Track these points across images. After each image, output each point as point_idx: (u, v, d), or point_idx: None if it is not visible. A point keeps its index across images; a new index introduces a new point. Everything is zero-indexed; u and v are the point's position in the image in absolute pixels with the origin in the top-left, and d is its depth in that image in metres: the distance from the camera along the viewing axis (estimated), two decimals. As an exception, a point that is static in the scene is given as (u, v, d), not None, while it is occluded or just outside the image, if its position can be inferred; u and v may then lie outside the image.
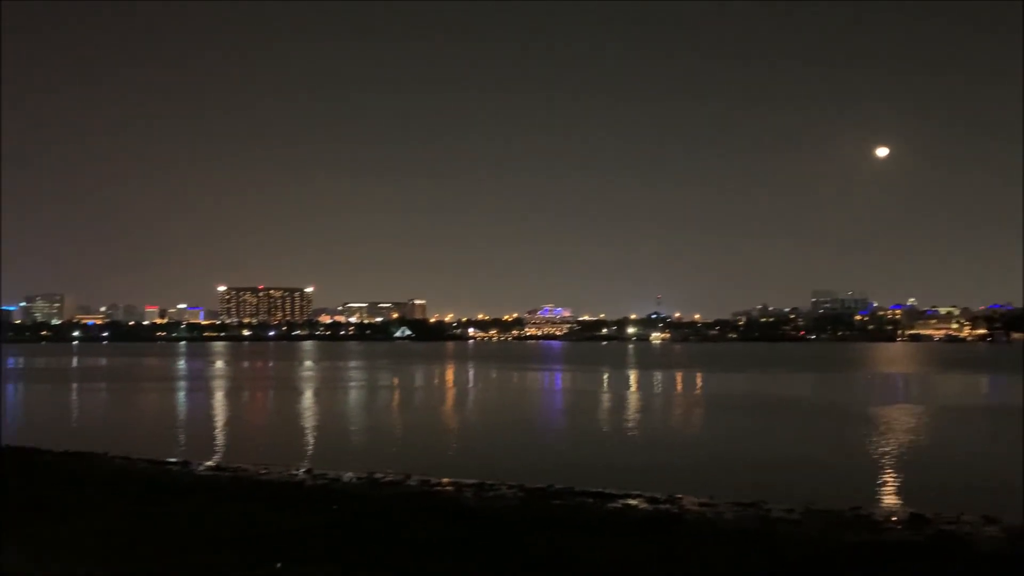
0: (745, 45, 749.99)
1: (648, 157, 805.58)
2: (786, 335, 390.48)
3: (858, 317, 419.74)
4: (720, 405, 51.26)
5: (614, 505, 19.10)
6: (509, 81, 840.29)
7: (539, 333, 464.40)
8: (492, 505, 18.54)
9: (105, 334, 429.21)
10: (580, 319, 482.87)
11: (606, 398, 58.00)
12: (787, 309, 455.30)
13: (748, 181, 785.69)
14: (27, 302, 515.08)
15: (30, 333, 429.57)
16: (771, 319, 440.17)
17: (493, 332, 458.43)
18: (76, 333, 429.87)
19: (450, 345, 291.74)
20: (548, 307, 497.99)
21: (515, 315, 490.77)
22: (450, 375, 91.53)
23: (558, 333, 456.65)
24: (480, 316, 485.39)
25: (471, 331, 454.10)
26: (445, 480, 22.50)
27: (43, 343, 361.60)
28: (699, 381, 79.27)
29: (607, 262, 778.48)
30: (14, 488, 18.79)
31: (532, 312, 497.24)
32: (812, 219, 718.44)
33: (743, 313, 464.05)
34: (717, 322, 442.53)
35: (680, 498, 19.97)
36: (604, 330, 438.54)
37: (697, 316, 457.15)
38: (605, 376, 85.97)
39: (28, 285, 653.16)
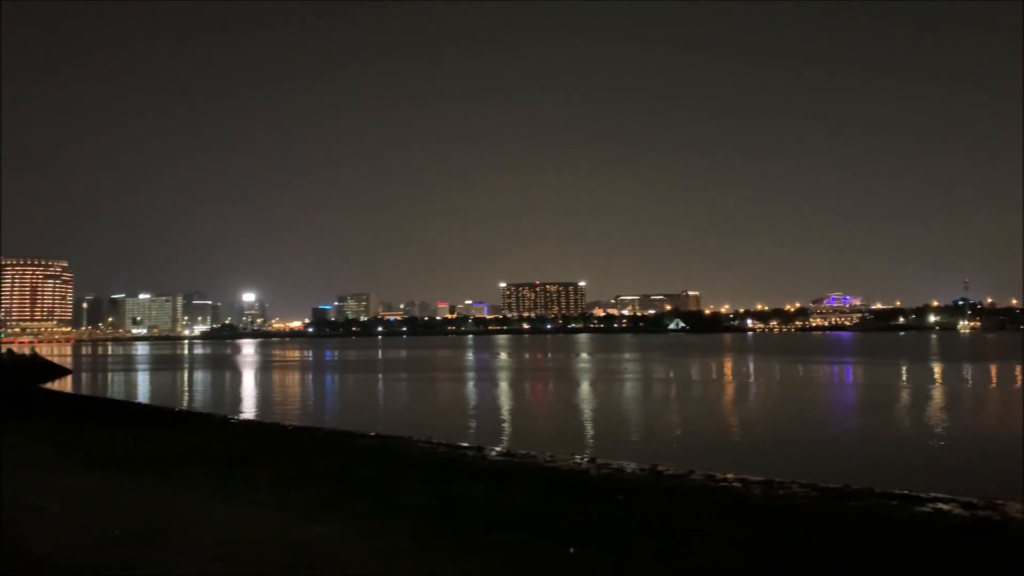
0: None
1: (942, 128, 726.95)
2: None
3: None
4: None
5: (922, 509, 17.37)
6: (770, 72, 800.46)
7: (826, 324, 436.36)
8: (783, 504, 17.67)
9: (404, 328, 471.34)
10: (872, 308, 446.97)
11: (905, 393, 53.04)
12: None
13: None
14: (339, 301, 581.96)
15: (343, 328, 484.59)
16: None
17: (774, 323, 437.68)
18: (380, 328, 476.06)
19: (727, 337, 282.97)
20: (835, 295, 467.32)
21: (798, 305, 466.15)
22: (728, 368, 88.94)
23: (847, 323, 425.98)
24: (759, 307, 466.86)
25: (749, 323, 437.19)
26: (730, 476, 21.86)
27: (353, 337, 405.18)
28: (1020, 374, 69.90)
29: (902, 245, 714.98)
30: (336, 469, 21.15)
31: (817, 301, 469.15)
32: None
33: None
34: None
35: (1001, 504, 17.70)
36: (901, 319, 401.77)
37: (1014, 301, 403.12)
38: (903, 369, 78.71)
39: (340, 286, 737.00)
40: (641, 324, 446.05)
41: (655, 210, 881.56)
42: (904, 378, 67.00)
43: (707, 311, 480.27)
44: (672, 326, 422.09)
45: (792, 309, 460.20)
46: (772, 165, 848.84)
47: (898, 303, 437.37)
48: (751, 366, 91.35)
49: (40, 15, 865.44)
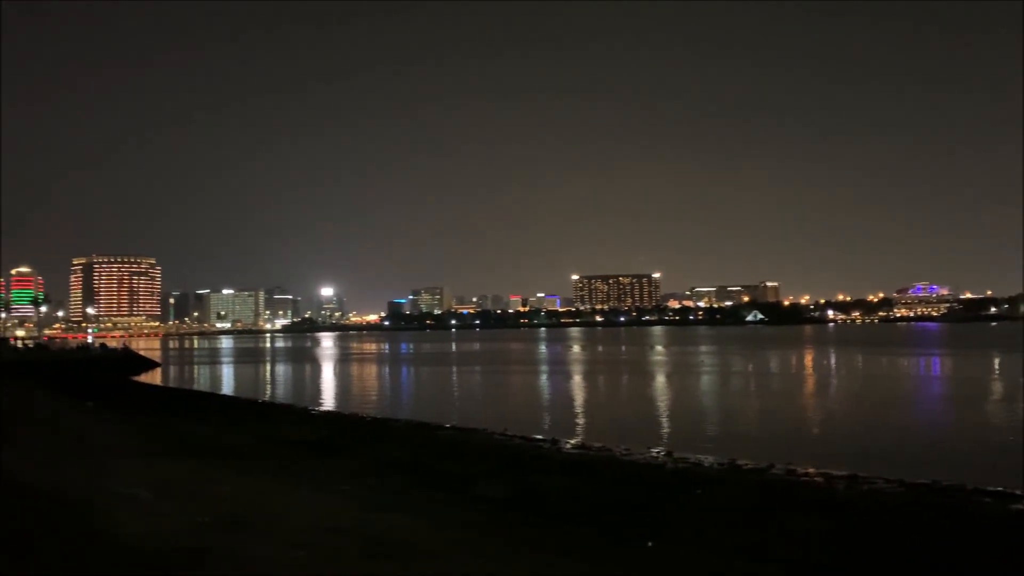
0: None
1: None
2: None
3: None
4: None
5: (1018, 506, 16.65)
6: (854, 58, 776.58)
7: (911, 314, 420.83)
8: (868, 499, 17.13)
9: (477, 321, 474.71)
10: (961, 297, 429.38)
11: (997, 386, 50.76)
12: None
13: None
14: (414, 295, 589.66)
15: (417, 322, 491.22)
16: None
17: (856, 314, 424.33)
18: (453, 321, 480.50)
19: (807, 329, 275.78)
20: (921, 285, 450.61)
21: (881, 295, 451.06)
22: (809, 360, 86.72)
23: (935, 314, 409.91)
24: (840, 297, 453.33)
25: (830, 313, 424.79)
26: (812, 470, 21.30)
27: (427, 330, 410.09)
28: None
29: (993, 231, 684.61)
30: (412, 460, 21.40)
31: (902, 291, 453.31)
32: None
33: None
34: None
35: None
36: (993, 309, 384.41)
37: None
38: (995, 361, 75.34)
39: (415, 280, 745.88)
40: (717, 316, 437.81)
41: (731, 199, 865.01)
42: (996, 371, 64.14)
43: (786, 302, 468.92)
44: (750, 318, 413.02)
45: (875, 299, 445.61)
46: (853, 149, 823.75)
47: (989, 292, 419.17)
48: (832, 358, 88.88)
49: (126, 10, 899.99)
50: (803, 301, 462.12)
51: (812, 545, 12.23)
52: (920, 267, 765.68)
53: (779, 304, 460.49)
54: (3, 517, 12.32)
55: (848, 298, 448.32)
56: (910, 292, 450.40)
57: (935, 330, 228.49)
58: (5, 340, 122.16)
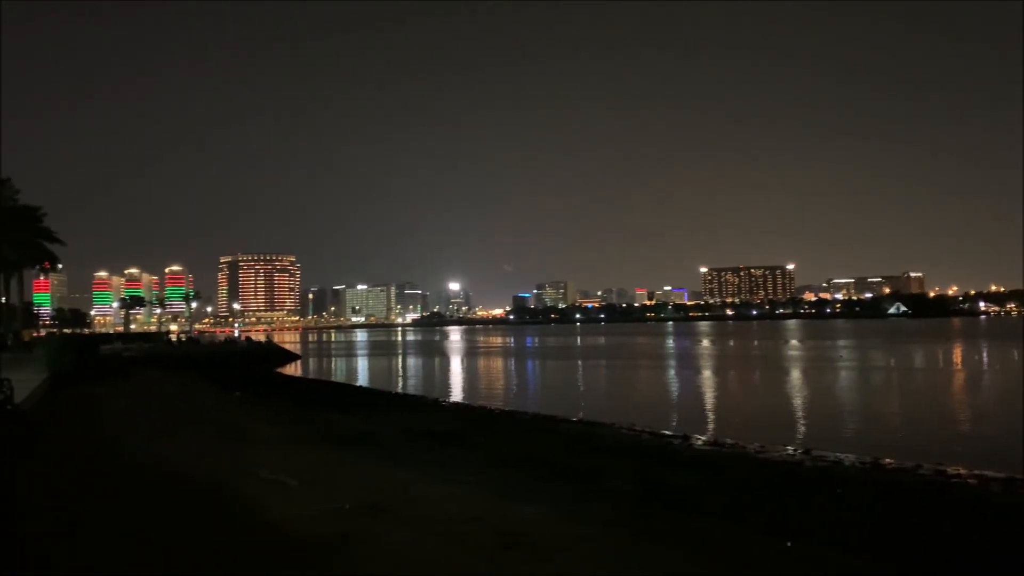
0: None
1: None
2: None
3: None
4: None
5: None
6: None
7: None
8: (1029, 504, 15.98)
9: (602, 315, 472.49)
10: None
11: None
12: None
13: None
14: (538, 289, 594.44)
15: (541, 316, 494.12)
16: None
17: (1011, 306, 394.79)
18: (578, 315, 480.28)
19: (955, 322, 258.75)
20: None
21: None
22: (957, 355, 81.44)
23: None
24: (993, 288, 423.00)
25: (982, 305, 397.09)
26: (963, 471, 20.05)
27: (552, 324, 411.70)
28: None
29: None
30: (541, 452, 21.55)
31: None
32: None
33: None
34: None
35: None
36: None
37: None
38: None
39: (539, 275, 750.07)
40: (857, 309, 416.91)
41: (871, 185, 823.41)
42: None
43: (931, 294, 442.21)
44: (892, 310, 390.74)
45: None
46: (1001, 129, 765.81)
47: None
48: (984, 353, 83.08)
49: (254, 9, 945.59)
50: (950, 292, 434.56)
51: (963, 550, 11.51)
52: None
53: (924, 296, 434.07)
54: (164, 503, 13.29)
55: (1002, 289, 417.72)
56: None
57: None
58: (160, 335, 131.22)
